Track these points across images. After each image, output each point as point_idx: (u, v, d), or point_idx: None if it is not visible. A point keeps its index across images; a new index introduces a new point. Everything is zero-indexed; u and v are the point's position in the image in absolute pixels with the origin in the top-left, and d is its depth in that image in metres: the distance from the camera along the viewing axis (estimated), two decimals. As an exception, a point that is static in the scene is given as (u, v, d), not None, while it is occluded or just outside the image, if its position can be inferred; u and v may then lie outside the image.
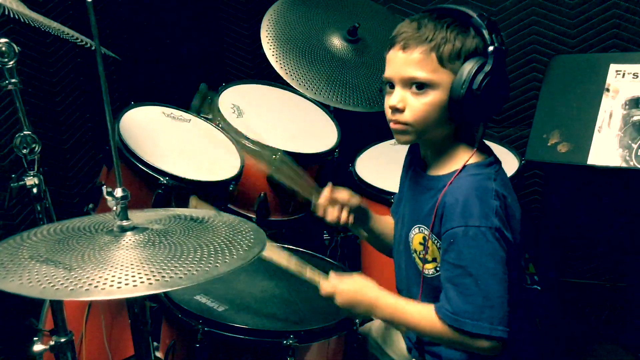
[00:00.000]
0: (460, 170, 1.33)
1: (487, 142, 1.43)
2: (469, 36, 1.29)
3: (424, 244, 1.36)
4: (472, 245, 1.25)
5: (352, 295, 1.38)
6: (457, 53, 1.28)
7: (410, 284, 1.45)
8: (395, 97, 1.32)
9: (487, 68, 1.26)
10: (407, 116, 1.31)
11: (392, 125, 1.35)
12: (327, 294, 1.40)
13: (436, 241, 1.33)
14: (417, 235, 1.38)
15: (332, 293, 1.39)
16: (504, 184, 1.34)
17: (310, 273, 1.45)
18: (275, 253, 1.47)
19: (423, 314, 1.32)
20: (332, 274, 1.42)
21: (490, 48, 1.27)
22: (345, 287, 1.39)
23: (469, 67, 1.27)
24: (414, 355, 1.51)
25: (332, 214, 1.55)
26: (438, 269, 1.34)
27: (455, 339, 1.28)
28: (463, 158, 1.34)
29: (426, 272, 1.38)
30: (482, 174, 1.32)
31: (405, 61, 1.30)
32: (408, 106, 1.31)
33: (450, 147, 1.37)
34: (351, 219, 1.56)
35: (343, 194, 1.55)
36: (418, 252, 1.39)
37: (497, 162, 1.38)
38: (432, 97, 1.29)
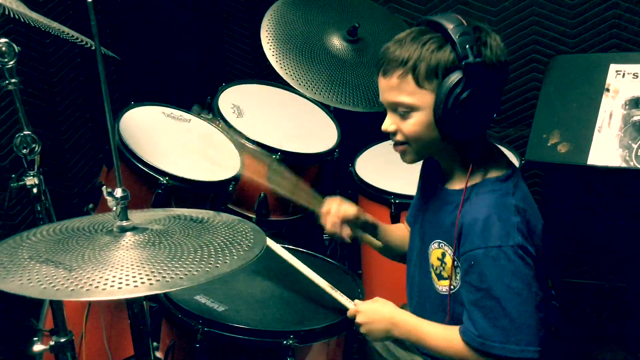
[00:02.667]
0: (477, 184, 1.31)
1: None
2: (445, 51, 1.23)
3: (441, 259, 1.35)
4: (494, 266, 1.23)
5: (372, 312, 1.40)
6: (433, 71, 1.23)
7: (422, 297, 1.44)
8: (386, 122, 1.34)
9: (463, 84, 1.21)
10: (400, 138, 1.33)
11: (394, 147, 1.38)
12: (351, 315, 1.44)
13: (454, 260, 1.31)
14: (435, 251, 1.37)
15: (354, 313, 1.43)
16: (524, 196, 1.31)
17: (340, 297, 1.51)
18: (309, 270, 1.56)
19: (446, 337, 1.31)
20: (357, 301, 1.47)
21: (464, 62, 1.20)
22: (366, 306, 1.42)
23: (445, 86, 1.22)
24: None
25: (332, 226, 1.56)
26: (452, 287, 1.33)
27: None
28: (485, 171, 1.32)
29: (440, 288, 1.37)
30: (501, 189, 1.29)
31: (386, 87, 1.30)
32: (399, 129, 1.32)
33: (463, 161, 1.34)
34: (348, 233, 1.56)
35: (349, 211, 1.56)
36: (435, 268, 1.38)
37: (515, 174, 1.34)
38: (417, 119, 1.29)
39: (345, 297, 1.52)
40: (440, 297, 1.38)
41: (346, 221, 1.56)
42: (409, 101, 1.27)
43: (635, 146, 1.95)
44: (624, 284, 2.64)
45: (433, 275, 1.39)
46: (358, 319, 1.41)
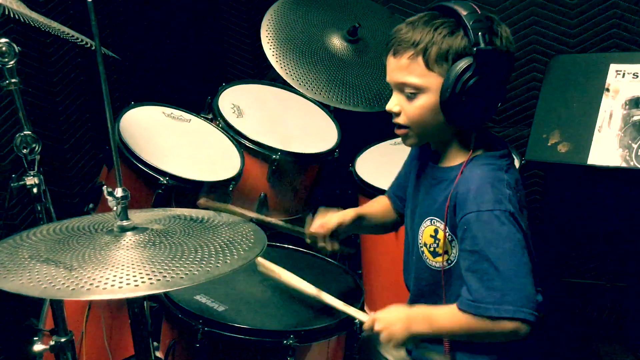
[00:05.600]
0: (472, 159, 1.32)
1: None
2: (457, 37, 1.25)
3: (434, 236, 1.36)
4: (486, 229, 1.24)
5: (388, 316, 1.38)
6: (444, 55, 1.26)
7: (419, 278, 1.45)
8: (391, 102, 1.34)
9: (472, 70, 1.23)
10: (403, 120, 1.34)
11: (395, 130, 1.38)
12: (368, 326, 1.41)
13: (449, 235, 1.32)
14: (428, 228, 1.38)
15: (372, 323, 1.40)
16: (515, 178, 1.33)
17: (354, 312, 1.47)
18: (321, 293, 1.51)
19: (449, 314, 1.30)
20: (371, 313, 1.44)
21: (475, 49, 1.23)
22: (381, 314, 1.40)
23: (454, 70, 1.24)
24: (414, 356, 1.51)
25: (321, 243, 1.57)
26: (449, 261, 1.34)
27: (481, 327, 1.24)
28: (475, 152, 1.34)
29: (434, 265, 1.38)
30: (495, 164, 1.32)
31: (395, 67, 1.32)
32: (403, 110, 1.33)
33: (460, 145, 1.36)
34: (335, 247, 1.57)
35: (329, 223, 1.55)
36: (428, 245, 1.38)
37: (510, 156, 1.37)
38: (423, 101, 1.30)
39: (359, 310, 1.50)
40: (433, 273, 1.38)
41: (332, 234, 1.56)
42: (417, 82, 1.29)
43: (635, 146, 1.95)
44: (624, 284, 2.64)
45: (427, 253, 1.39)
46: (377, 327, 1.38)
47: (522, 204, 1.31)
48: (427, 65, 1.27)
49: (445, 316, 1.31)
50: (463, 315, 1.27)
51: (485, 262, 1.23)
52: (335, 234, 1.57)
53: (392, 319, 1.38)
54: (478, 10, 1.26)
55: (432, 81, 1.28)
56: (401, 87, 1.32)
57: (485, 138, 1.37)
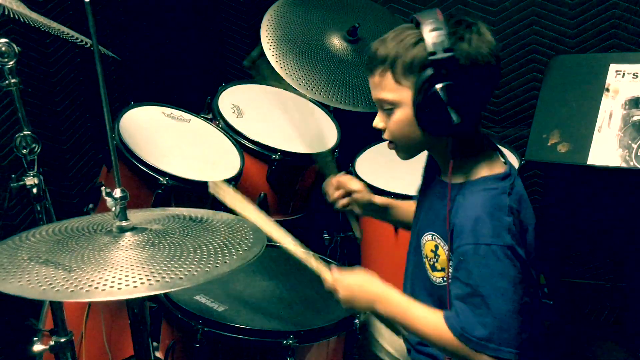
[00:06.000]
0: (473, 183, 1.31)
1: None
2: (420, 47, 1.22)
3: (435, 251, 1.36)
4: (482, 264, 1.23)
5: (354, 288, 1.35)
6: (409, 67, 1.24)
7: (416, 285, 1.44)
8: (376, 119, 1.36)
9: (435, 79, 1.21)
10: (387, 135, 1.35)
11: (387, 145, 1.40)
12: (329, 287, 1.38)
13: (448, 252, 1.31)
14: (429, 243, 1.37)
15: (333, 286, 1.37)
16: (519, 197, 1.31)
17: (315, 264, 1.42)
18: (284, 238, 1.44)
19: (430, 319, 1.29)
20: (333, 268, 1.39)
21: (430, 58, 1.20)
22: (347, 280, 1.36)
23: (419, 81, 1.23)
24: (413, 356, 1.51)
25: (333, 195, 1.61)
26: (445, 279, 1.33)
27: (460, 351, 1.25)
28: (476, 167, 1.32)
29: (434, 279, 1.38)
30: (498, 188, 1.29)
31: (372, 84, 1.33)
32: (386, 127, 1.34)
33: (458, 157, 1.33)
34: (344, 202, 1.60)
35: (354, 184, 1.60)
36: (429, 258, 1.38)
37: (513, 172, 1.34)
38: (399, 115, 1.30)
39: (322, 262, 1.42)
40: (433, 286, 1.38)
41: (350, 194, 1.60)
42: (390, 97, 1.29)
43: (635, 146, 1.95)
44: (624, 284, 2.64)
45: (427, 265, 1.39)
46: (339, 294, 1.36)
47: (524, 225, 1.30)
48: (396, 80, 1.26)
49: (424, 319, 1.30)
50: (447, 331, 1.26)
51: (478, 298, 1.23)
52: (358, 202, 1.61)
53: (360, 293, 1.35)
54: (440, 17, 1.22)
55: (404, 95, 1.27)
56: (380, 103, 1.33)
57: (476, 147, 1.34)
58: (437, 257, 1.35)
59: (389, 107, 1.30)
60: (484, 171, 1.31)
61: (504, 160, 1.36)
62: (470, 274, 1.24)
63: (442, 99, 1.22)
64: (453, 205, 1.29)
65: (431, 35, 1.21)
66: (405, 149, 1.37)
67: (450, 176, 1.30)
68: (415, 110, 1.25)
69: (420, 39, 1.22)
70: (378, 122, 1.36)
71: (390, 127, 1.33)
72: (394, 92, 1.28)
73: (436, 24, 1.21)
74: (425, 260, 1.39)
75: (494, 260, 1.22)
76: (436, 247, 1.35)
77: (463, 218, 1.27)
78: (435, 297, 1.38)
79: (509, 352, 1.22)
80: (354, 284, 1.36)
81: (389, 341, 1.66)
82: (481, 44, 1.23)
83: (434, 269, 1.37)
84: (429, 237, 1.37)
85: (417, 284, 1.44)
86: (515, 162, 2.18)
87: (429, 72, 1.21)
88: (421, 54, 1.22)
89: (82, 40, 1.62)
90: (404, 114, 1.29)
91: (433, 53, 1.20)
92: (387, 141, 1.40)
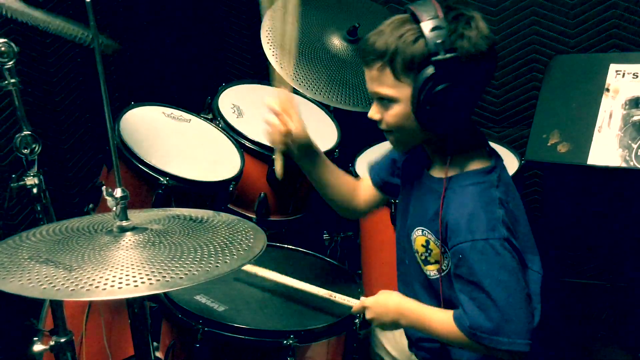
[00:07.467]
0: (459, 175, 1.32)
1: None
2: (420, 43, 1.22)
3: (426, 246, 1.36)
4: (482, 259, 1.24)
5: (379, 306, 1.42)
6: (409, 64, 1.23)
7: (412, 280, 1.45)
8: (372, 110, 1.36)
9: (436, 79, 1.21)
10: (384, 126, 1.35)
11: (385, 135, 1.39)
12: (357, 311, 1.47)
13: (441, 246, 1.32)
14: (419, 238, 1.38)
15: (361, 309, 1.45)
16: (506, 188, 1.32)
17: (340, 298, 1.53)
18: (304, 285, 1.58)
19: (444, 321, 1.32)
20: (362, 297, 1.49)
21: (433, 59, 1.20)
22: (373, 300, 1.44)
23: (419, 80, 1.22)
24: (414, 351, 1.52)
25: (272, 135, 1.50)
26: (439, 271, 1.34)
27: (474, 349, 1.29)
28: (466, 162, 1.33)
29: (428, 273, 1.38)
30: (486, 182, 1.30)
31: (368, 77, 1.32)
32: (382, 118, 1.34)
33: (446, 151, 1.34)
34: (279, 170, 1.51)
35: (295, 119, 1.50)
36: (420, 254, 1.38)
37: (498, 164, 1.35)
38: (397, 110, 1.30)
39: (346, 297, 1.53)
40: (428, 280, 1.39)
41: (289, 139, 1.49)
42: (388, 93, 1.29)
43: (635, 146, 1.95)
44: (624, 284, 2.64)
45: (419, 260, 1.40)
46: (368, 316, 1.43)
47: (515, 214, 1.31)
48: (396, 76, 1.26)
49: (441, 324, 1.33)
50: (458, 331, 1.29)
51: (482, 293, 1.24)
52: (295, 141, 1.49)
53: (382, 310, 1.41)
54: (440, 14, 1.21)
55: (403, 91, 1.27)
56: (376, 96, 1.33)
57: (470, 143, 1.35)
58: (429, 251, 1.36)
59: (386, 101, 1.31)
60: (472, 165, 1.33)
61: (490, 151, 1.37)
62: (472, 270, 1.25)
63: (442, 97, 1.22)
64: (444, 200, 1.31)
65: (432, 33, 1.20)
66: (402, 141, 1.38)
67: (447, 171, 1.31)
68: (414, 107, 1.26)
69: (420, 36, 1.22)
70: (374, 113, 1.35)
71: (387, 119, 1.33)
72: (392, 88, 1.28)
73: (437, 22, 1.21)
74: (416, 255, 1.40)
75: (493, 254, 1.24)
76: (427, 242, 1.36)
77: (457, 215, 1.28)
78: (431, 290, 1.39)
79: (521, 344, 1.23)
80: (377, 301, 1.44)
81: (389, 338, 1.67)
82: (480, 40, 1.23)
83: (426, 262, 1.37)
84: (419, 232, 1.38)
85: (412, 281, 1.45)
86: (515, 162, 2.18)
87: (430, 70, 1.21)
88: (421, 51, 1.22)
89: (81, 39, 1.61)
90: (401, 109, 1.29)
91: (435, 53, 1.20)
92: (387, 141, 1.41)
